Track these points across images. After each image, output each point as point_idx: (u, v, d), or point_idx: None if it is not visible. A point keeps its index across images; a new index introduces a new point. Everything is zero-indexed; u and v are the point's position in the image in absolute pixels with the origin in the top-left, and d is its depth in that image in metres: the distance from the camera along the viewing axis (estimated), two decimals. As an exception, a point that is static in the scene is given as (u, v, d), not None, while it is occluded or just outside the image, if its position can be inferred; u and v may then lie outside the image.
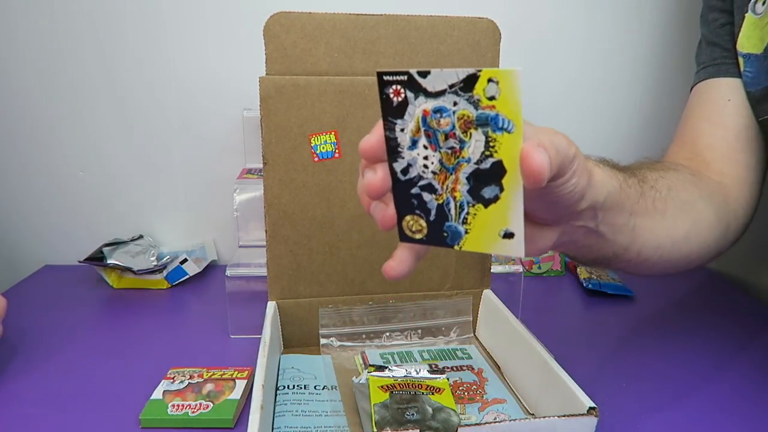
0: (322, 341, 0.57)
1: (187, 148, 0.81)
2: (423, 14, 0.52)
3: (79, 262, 0.74)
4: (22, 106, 0.79)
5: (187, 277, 0.76)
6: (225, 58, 0.78)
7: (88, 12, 0.75)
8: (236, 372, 0.52)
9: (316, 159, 0.53)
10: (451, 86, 0.27)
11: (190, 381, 0.51)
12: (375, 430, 0.43)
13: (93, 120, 0.80)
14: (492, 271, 0.61)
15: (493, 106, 0.26)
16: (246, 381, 0.51)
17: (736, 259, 0.80)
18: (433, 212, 0.31)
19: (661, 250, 0.46)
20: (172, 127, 0.81)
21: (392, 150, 0.30)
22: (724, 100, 0.59)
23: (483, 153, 0.28)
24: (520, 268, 0.66)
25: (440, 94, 0.27)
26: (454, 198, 0.30)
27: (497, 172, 0.28)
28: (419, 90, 0.28)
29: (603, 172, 0.36)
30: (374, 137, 0.30)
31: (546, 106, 0.83)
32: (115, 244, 0.77)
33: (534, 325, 0.54)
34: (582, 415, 0.38)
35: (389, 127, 0.29)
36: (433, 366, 0.52)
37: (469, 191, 0.29)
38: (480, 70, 0.26)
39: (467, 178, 0.29)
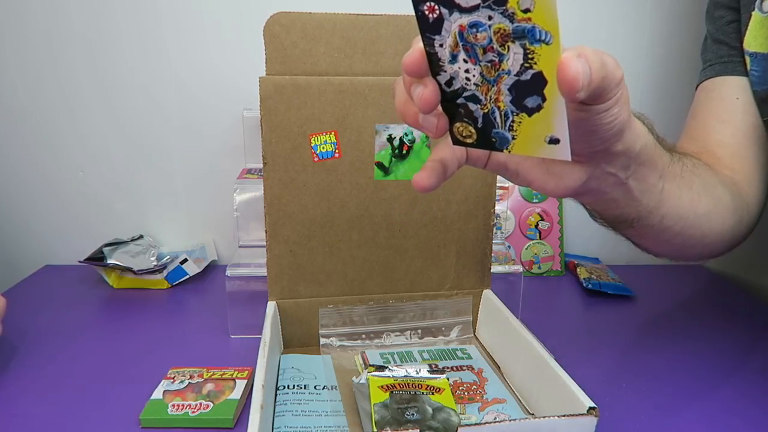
0: (322, 341, 0.57)
1: (188, 147, 0.81)
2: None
3: (79, 262, 0.74)
4: (22, 107, 0.79)
5: (187, 277, 0.76)
6: (225, 58, 0.78)
7: (88, 12, 0.76)
8: (236, 372, 0.52)
9: (316, 159, 0.53)
10: (484, 1, 0.27)
11: (190, 381, 0.51)
12: (375, 430, 0.43)
13: (93, 120, 0.80)
14: (492, 271, 0.61)
15: (529, 19, 0.26)
16: (246, 381, 0.51)
17: (737, 259, 0.80)
18: (480, 120, 0.31)
19: (684, 221, 0.46)
20: (172, 127, 0.81)
21: (434, 64, 0.30)
22: (733, 98, 0.59)
23: (522, 65, 0.28)
24: (520, 268, 0.66)
25: (474, 9, 0.27)
26: (499, 108, 0.30)
27: (538, 82, 0.28)
28: (453, 6, 0.27)
29: (641, 126, 0.37)
30: (416, 52, 0.30)
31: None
32: (115, 244, 0.77)
33: (534, 325, 0.54)
34: (582, 415, 0.38)
35: (428, 43, 0.29)
36: (433, 366, 0.52)
37: (511, 101, 0.29)
38: None
39: (509, 90, 0.29)
